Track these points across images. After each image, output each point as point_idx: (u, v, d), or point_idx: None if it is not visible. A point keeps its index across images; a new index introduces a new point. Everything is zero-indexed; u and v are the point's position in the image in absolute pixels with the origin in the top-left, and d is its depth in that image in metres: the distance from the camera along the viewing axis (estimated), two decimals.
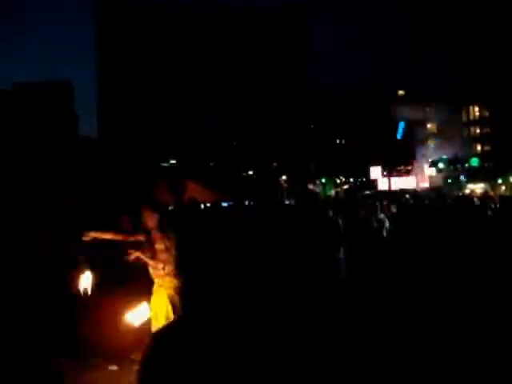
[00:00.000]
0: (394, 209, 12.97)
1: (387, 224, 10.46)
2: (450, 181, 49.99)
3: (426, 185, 51.58)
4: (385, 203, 12.87)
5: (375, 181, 53.71)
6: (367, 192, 42.99)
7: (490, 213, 9.11)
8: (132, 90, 60.15)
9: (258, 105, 61.21)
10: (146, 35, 61.63)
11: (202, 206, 18.95)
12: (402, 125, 60.25)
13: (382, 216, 11.10)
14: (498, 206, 10.27)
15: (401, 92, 65.46)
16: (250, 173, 49.88)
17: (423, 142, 59.30)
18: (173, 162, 41.57)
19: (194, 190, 21.28)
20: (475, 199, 11.20)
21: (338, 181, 56.99)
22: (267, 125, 59.49)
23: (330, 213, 11.88)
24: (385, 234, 10.34)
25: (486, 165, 52.39)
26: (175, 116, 58.82)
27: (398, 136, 60.71)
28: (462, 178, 50.16)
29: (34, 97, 44.00)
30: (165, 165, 38.23)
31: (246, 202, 22.73)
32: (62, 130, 41.20)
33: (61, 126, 42.72)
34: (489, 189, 46.31)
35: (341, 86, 69.01)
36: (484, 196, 10.69)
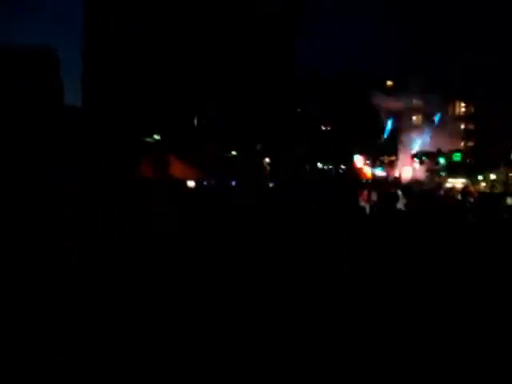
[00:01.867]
0: (374, 197, 13.10)
1: (367, 210, 10.58)
2: (431, 174, 50.47)
3: (408, 175, 51.97)
4: (365, 192, 12.99)
5: (361, 169, 53.98)
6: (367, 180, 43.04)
7: (468, 205, 9.25)
8: (118, 62, 59.32)
9: (244, 86, 60.82)
10: (133, 6, 60.52)
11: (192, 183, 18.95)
12: (390, 123, 60.42)
13: (362, 204, 11.23)
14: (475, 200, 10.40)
15: (389, 82, 65.61)
16: (234, 153, 49.79)
17: (408, 133, 59.67)
18: (157, 137, 41.27)
19: (177, 166, 21.18)
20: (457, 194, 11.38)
21: (321, 166, 57.17)
22: (252, 107, 59.23)
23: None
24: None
25: (468, 160, 52.94)
26: (160, 92, 58.21)
27: (385, 135, 60.95)
28: (443, 173, 50.67)
29: (14, 62, 42.78)
30: (149, 139, 37.95)
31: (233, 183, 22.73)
32: (47, 98, 40.55)
33: (46, 93, 42.01)
34: (469, 184, 46.91)
35: (328, 71, 68.70)
36: (464, 191, 10.84)
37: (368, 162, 54.80)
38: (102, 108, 53.27)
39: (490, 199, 9.59)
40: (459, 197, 10.55)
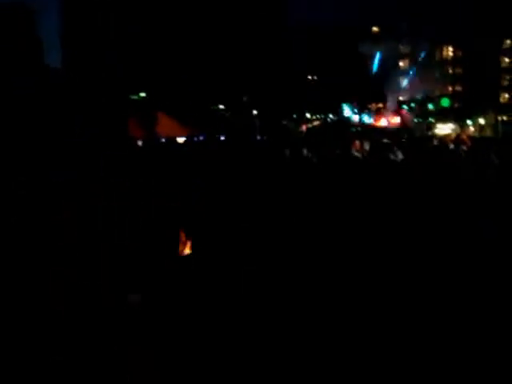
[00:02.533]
0: (367, 147, 12.98)
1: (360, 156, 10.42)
2: (420, 120, 50.36)
3: (397, 121, 51.73)
4: (357, 142, 12.82)
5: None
6: (357, 128, 42.80)
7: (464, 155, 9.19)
8: (99, 19, 57.69)
9: (230, 37, 59.59)
10: None
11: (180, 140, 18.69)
12: (378, 56, 59.55)
13: (355, 153, 11.08)
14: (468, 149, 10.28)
15: (375, 28, 64.58)
16: (221, 107, 49.23)
17: (395, 80, 59.17)
18: (143, 94, 40.56)
19: (165, 123, 20.85)
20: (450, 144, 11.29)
21: (309, 116, 56.80)
22: (239, 58, 58.20)
23: (305, 151, 11.86)
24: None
25: (456, 105, 52.79)
26: (144, 47, 56.92)
27: (374, 68, 60.15)
28: (432, 118, 50.58)
29: None
30: (135, 97, 37.27)
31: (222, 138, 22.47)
32: (25, 57, 39.47)
33: (24, 52, 40.88)
34: (458, 130, 46.93)
35: (315, 21, 67.47)
36: (457, 140, 10.72)
37: (356, 110, 54.56)
38: (85, 67, 52.11)
39: (483, 148, 9.48)
40: (452, 146, 10.47)
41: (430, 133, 43.31)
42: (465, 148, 9.93)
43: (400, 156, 10.40)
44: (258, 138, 25.04)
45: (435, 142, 11.52)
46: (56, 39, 60.25)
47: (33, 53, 44.54)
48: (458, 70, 57.60)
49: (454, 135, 12.82)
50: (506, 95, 49.57)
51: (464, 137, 10.89)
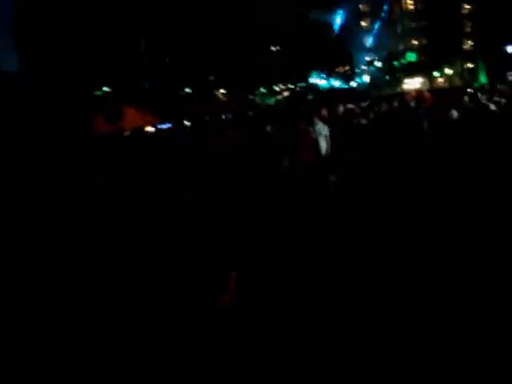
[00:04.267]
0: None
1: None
2: (387, 78, 50.29)
3: (365, 83, 51.68)
4: (324, 111, 12.60)
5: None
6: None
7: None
8: (54, 13, 56.07)
9: (190, 17, 58.43)
10: None
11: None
12: (340, 17, 58.96)
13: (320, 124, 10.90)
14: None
15: None
16: (188, 90, 48.62)
17: (359, 39, 58.85)
18: (106, 89, 39.86)
19: (132, 115, 20.51)
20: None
21: (277, 89, 56.31)
22: (201, 37, 57.23)
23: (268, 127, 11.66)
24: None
25: (422, 58, 52.68)
26: (101, 39, 55.62)
27: (336, 30, 59.60)
28: (399, 74, 50.54)
29: None
30: (98, 93, 36.62)
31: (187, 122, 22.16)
32: None
33: None
34: (426, 83, 46.96)
35: None
36: (417, 97, 10.56)
37: (323, 75, 54.27)
38: (43, 68, 50.82)
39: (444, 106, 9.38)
40: (413, 104, 10.36)
41: (398, 89, 43.35)
42: (424, 106, 9.78)
43: (364, 121, 10.28)
44: (223, 117, 24.74)
45: (395, 104, 11.40)
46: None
47: None
48: (421, 23, 57.32)
49: (414, 93, 12.70)
50: (470, 42, 49.54)
51: (426, 95, 10.74)
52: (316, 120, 10.22)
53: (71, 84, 36.35)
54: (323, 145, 9.98)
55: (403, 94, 15.62)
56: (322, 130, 10.07)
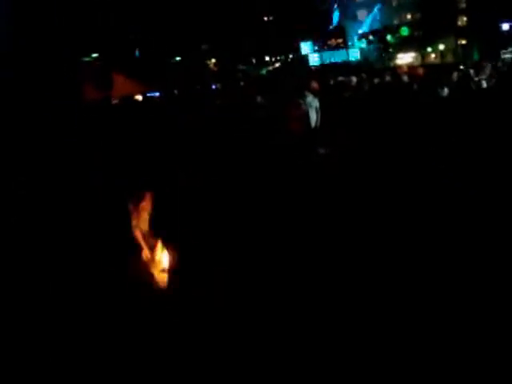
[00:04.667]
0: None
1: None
2: (380, 52, 49.90)
3: (357, 57, 51.18)
4: (314, 83, 12.50)
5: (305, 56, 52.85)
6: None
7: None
8: None
9: None
10: None
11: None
12: (336, 13, 58.26)
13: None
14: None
15: None
16: (178, 59, 47.96)
17: (353, 12, 58.14)
18: (95, 55, 39.08)
19: (120, 82, 20.22)
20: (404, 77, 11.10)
21: (267, 59, 55.74)
22: (194, 4, 56.22)
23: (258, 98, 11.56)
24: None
25: (415, 34, 52.24)
26: (93, 2, 54.43)
27: (334, 22, 58.87)
28: (392, 49, 50.15)
29: None
30: (87, 59, 35.95)
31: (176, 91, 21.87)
32: None
33: None
34: (419, 58, 46.70)
35: None
36: (409, 72, 10.49)
37: (316, 47, 53.71)
38: (31, 30, 49.66)
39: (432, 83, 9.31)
40: (405, 78, 10.27)
41: (391, 64, 43.04)
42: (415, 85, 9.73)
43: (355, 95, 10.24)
44: (213, 86, 24.46)
45: (387, 78, 11.32)
46: None
47: None
48: None
49: (405, 68, 12.60)
50: (464, 18, 49.16)
51: (419, 71, 10.66)
52: (306, 92, 10.19)
53: (60, 48, 35.56)
54: (313, 117, 9.97)
55: (395, 69, 15.51)
56: (312, 102, 10.05)
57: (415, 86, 9.22)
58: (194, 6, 55.48)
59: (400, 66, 16.29)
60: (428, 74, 10.61)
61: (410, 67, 13.36)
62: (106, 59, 36.73)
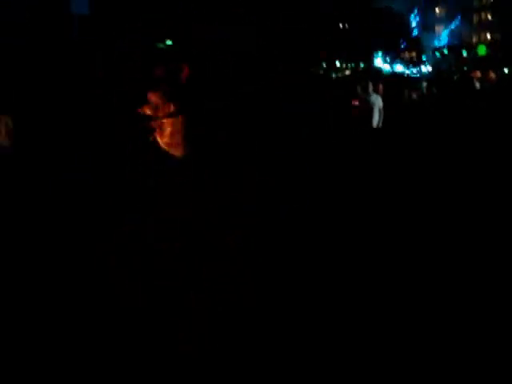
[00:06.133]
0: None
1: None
2: (453, 69, 48.76)
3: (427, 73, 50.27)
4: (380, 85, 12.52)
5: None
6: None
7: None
8: None
9: None
10: None
11: None
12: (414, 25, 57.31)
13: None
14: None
15: None
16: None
17: (430, 27, 57.20)
18: (169, 42, 39.83)
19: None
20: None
21: (339, 65, 55.47)
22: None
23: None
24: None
25: (493, 54, 50.84)
26: None
27: (414, 33, 57.94)
28: (466, 67, 48.92)
29: None
30: (161, 46, 36.73)
31: None
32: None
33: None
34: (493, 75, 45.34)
35: None
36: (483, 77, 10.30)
37: (388, 58, 53.14)
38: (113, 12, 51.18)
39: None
40: (477, 85, 10.08)
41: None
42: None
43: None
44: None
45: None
46: None
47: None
48: (496, 17, 55.11)
49: (478, 73, 12.45)
50: None
51: (492, 75, 10.49)
52: (371, 91, 10.54)
53: (136, 33, 36.50)
54: (376, 117, 10.25)
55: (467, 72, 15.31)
56: (376, 100, 10.35)
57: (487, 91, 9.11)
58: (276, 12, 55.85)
59: (474, 71, 16.06)
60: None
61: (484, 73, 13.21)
62: (180, 47, 37.36)
